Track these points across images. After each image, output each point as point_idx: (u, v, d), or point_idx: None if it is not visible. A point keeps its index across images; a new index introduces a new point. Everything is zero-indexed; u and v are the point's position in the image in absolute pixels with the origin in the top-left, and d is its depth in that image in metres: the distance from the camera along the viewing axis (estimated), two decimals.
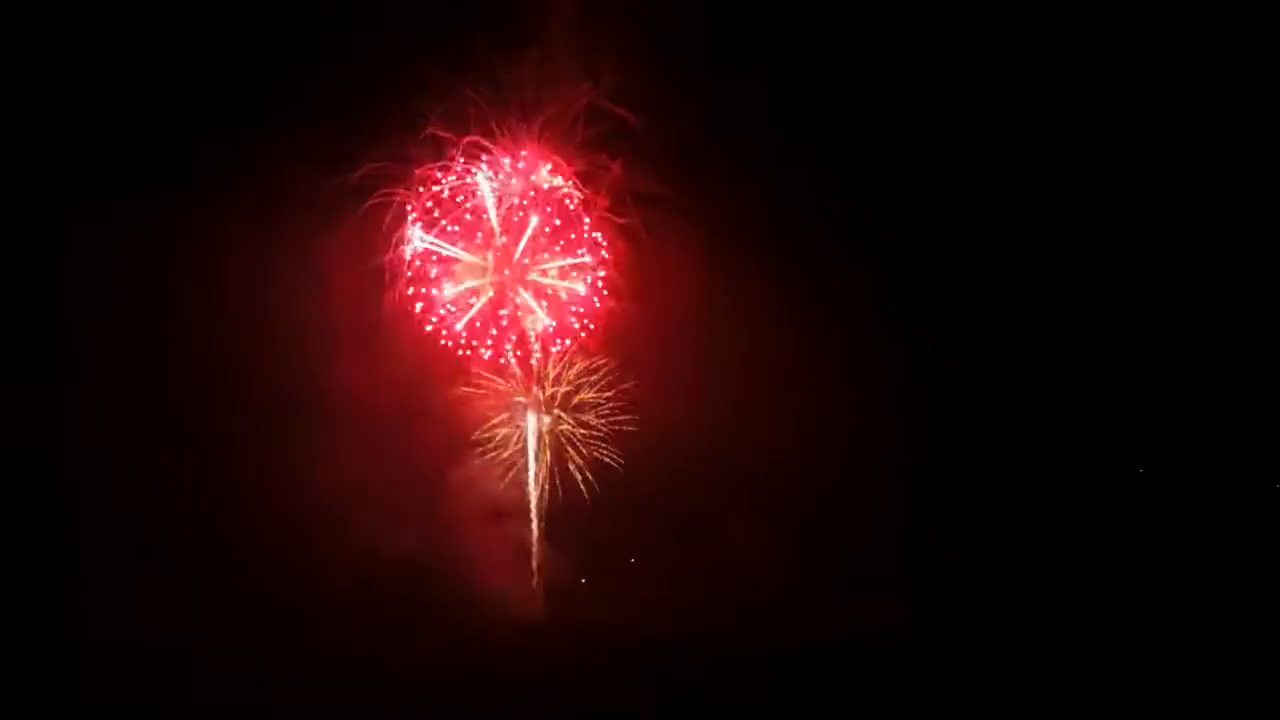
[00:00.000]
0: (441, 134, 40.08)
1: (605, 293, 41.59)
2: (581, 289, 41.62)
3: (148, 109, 40.50)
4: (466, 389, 42.18)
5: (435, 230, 40.86)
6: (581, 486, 42.45)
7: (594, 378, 42.48)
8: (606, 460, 42.47)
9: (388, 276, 40.84)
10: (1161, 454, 45.47)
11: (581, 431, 42.60)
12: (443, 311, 41.27)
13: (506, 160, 41.22)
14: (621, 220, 40.56)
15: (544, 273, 41.61)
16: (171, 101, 40.53)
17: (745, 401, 42.63)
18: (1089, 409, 44.83)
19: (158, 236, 40.09)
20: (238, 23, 40.43)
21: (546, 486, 42.73)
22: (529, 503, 42.68)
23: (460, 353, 41.50)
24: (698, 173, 40.79)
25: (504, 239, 41.31)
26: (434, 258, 41.10)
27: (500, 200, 40.97)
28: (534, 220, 41.15)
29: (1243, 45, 42.26)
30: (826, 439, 42.84)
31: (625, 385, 42.37)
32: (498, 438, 42.66)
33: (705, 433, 41.90)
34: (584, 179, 40.84)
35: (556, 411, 42.78)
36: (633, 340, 41.87)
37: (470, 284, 41.22)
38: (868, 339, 42.74)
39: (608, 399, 42.44)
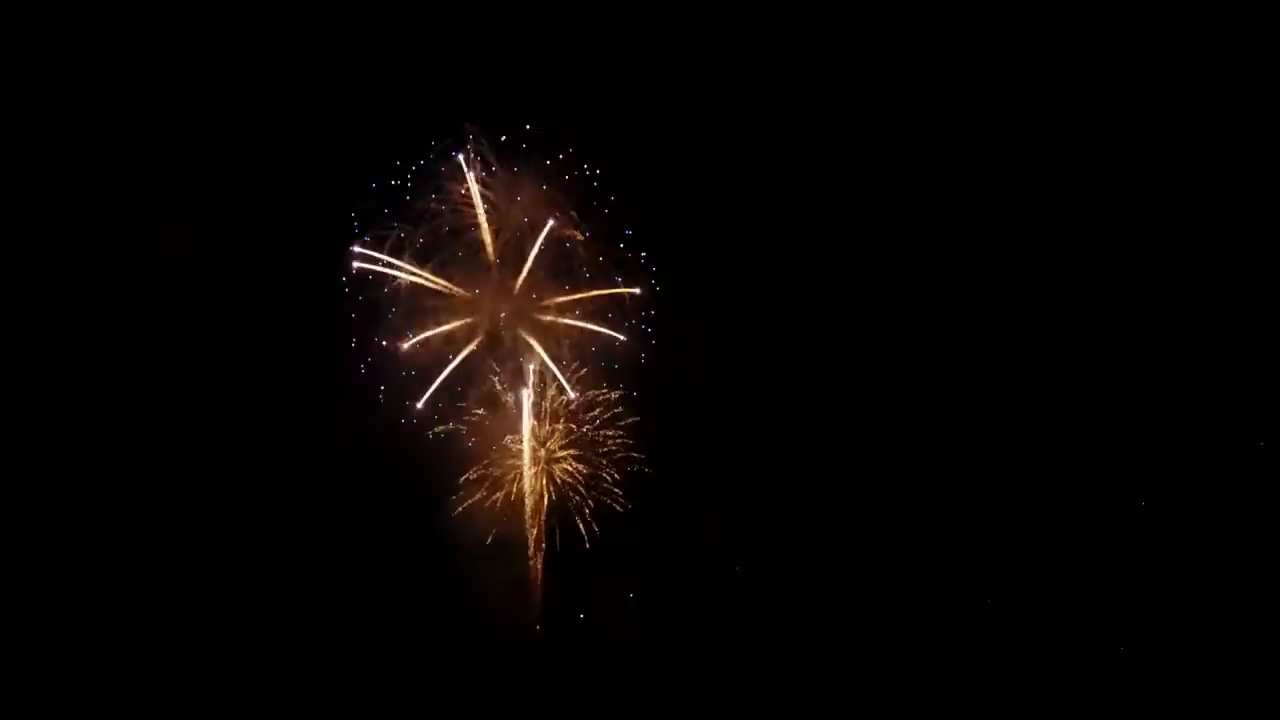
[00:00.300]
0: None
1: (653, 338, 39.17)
2: (621, 335, 38.84)
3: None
4: (459, 427, 40.00)
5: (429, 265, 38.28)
6: (581, 527, 40.73)
7: (594, 413, 40.53)
8: (608, 501, 40.75)
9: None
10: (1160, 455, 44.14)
11: (584, 470, 40.68)
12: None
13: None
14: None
15: (562, 310, 38.84)
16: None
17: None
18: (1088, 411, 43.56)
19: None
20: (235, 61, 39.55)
21: (544, 524, 41.02)
22: (527, 540, 41.00)
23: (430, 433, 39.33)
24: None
25: (497, 261, 38.42)
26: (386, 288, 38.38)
27: (496, 233, 37.82)
28: (549, 224, 37.92)
29: (1242, 45, 41.24)
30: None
31: (628, 421, 40.62)
32: (493, 476, 40.62)
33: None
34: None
35: (553, 447, 40.81)
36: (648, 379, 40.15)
37: (455, 325, 38.42)
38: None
39: (609, 437, 40.64)
